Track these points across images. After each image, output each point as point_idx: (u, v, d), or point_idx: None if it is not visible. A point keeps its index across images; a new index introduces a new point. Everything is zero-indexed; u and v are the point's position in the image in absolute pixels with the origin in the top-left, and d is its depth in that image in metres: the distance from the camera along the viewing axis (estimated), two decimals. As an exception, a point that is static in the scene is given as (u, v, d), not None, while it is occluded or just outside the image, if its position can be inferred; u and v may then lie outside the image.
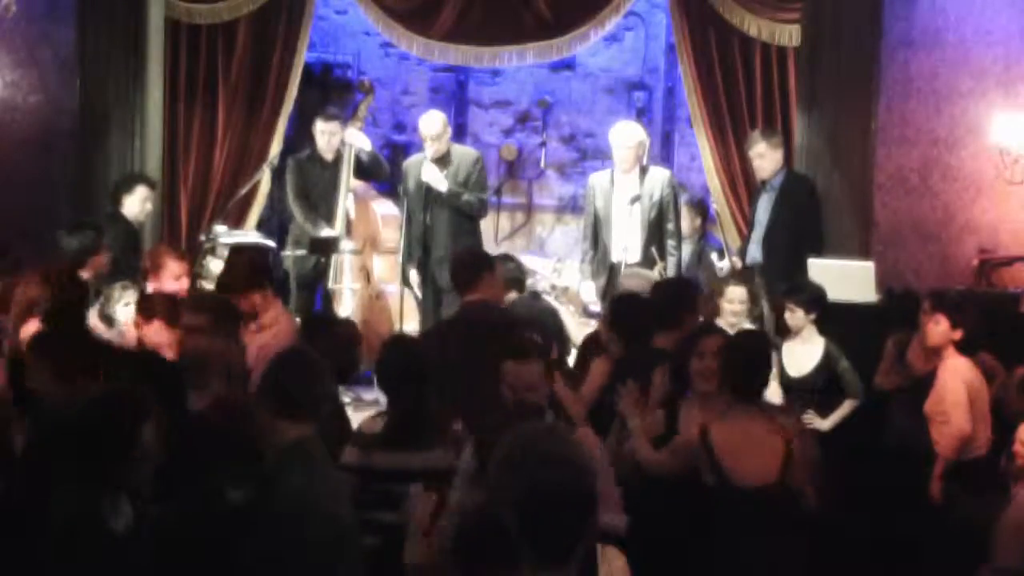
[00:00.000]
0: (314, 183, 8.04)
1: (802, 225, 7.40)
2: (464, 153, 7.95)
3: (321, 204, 8.02)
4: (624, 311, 5.33)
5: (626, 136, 7.54)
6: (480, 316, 5.30)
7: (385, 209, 8.28)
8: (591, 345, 5.78)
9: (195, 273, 7.25)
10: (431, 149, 7.73)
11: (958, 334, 5.49)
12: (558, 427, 2.60)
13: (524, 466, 2.39)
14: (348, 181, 8.01)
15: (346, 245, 8.01)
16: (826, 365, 5.97)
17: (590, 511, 2.40)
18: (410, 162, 8.03)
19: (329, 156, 8.01)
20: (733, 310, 6.20)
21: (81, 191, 7.93)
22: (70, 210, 7.84)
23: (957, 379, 5.41)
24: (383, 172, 8.34)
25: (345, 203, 8.01)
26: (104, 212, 7.46)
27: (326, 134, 7.99)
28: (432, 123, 7.74)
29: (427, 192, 7.70)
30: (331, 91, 9.75)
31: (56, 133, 7.84)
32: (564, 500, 2.36)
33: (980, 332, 5.62)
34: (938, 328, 5.49)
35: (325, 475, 3.44)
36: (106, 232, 6.74)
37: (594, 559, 2.59)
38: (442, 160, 7.75)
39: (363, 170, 8.16)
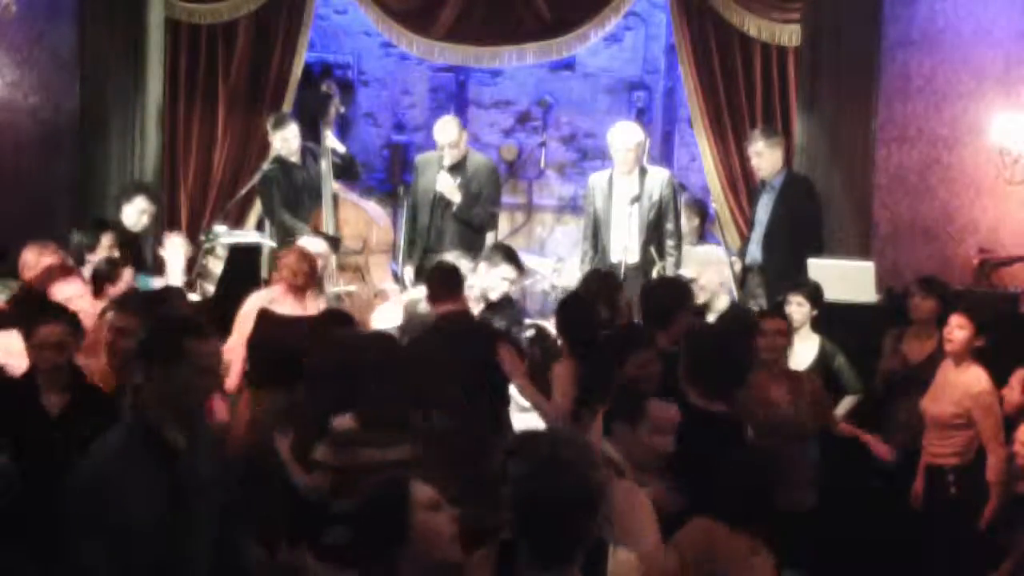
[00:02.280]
0: (299, 188, 7.90)
1: (802, 225, 7.38)
2: (480, 162, 7.88)
3: (304, 207, 7.87)
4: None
5: (624, 138, 7.52)
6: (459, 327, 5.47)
7: (374, 209, 8.25)
8: None
9: (196, 273, 7.25)
10: (448, 156, 7.69)
11: (981, 341, 5.44)
12: (565, 431, 2.59)
13: (525, 469, 2.39)
14: (331, 183, 7.91)
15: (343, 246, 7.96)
16: (822, 361, 5.97)
17: (591, 514, 2.40)
18: (422, 160, 7.98)
19: (296, 159, 7.81)
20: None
21: (81, 191, 7.95)
22: (70, 210, 7.84)
23: (996, 408, 5.35)
24: (356, 172, 8.25)
25: (331, 205, 7.91)
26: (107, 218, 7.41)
27: (285, 139, 7.73)
28: (448, 131, 7.69)
29: (437, 196, 7.68)
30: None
31: (56, 133, 7.84)
32: (564, 504, 2.36)
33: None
34: (963, 333, 5.43)
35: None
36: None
37: (604, 558, 2.58)
38: (457, 167, 7.73)
39: (338, 171, 8.07)
